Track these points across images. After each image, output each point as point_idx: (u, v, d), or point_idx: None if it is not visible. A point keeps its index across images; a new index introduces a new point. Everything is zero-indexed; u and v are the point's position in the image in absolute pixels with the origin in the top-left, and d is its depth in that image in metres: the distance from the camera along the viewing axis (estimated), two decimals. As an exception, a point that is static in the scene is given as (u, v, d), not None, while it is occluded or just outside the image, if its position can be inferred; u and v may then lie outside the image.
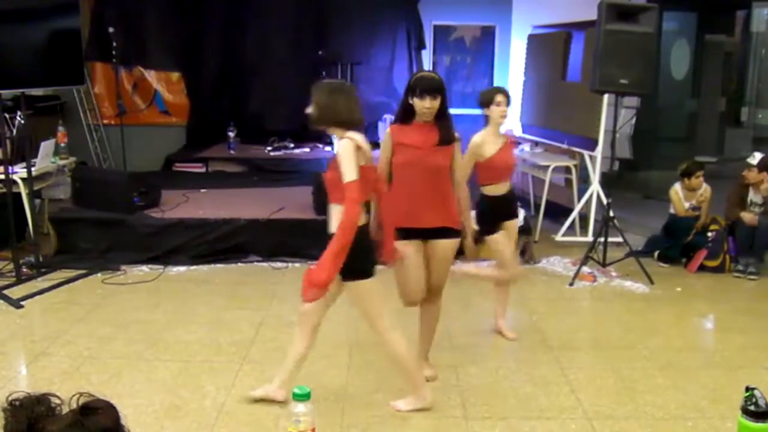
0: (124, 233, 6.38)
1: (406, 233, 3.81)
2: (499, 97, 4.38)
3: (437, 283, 3.97)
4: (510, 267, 4.68)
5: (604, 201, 6.51)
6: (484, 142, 4.39)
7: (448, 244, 3.89)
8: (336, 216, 3.46)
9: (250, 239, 6.31)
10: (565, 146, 7.57)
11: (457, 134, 3.82)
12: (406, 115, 3.79)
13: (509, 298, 4.97)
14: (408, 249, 3.82)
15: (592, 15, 6.16)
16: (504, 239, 4.56)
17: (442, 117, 3.75)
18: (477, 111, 9.65)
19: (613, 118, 6.23)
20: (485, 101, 4.43)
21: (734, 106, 10.60)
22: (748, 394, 2.81)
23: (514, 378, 4.18)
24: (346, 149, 3.39)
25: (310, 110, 3.52)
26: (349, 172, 3.35)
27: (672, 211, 6.58)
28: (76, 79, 6.49)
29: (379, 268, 3.58)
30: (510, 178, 4.65)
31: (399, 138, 3.79)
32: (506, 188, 4.59)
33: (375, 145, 9.97)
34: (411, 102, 3.71)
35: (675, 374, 4.21)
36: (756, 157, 6.21)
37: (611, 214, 6.21)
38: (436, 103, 3.68)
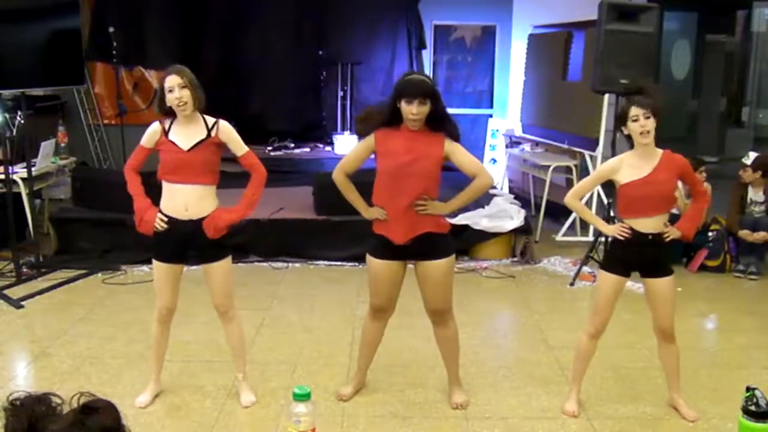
0: (125, 233, 6.35)
1: (384, 250, 3.58)
2: (633, 110, 3.40)
3: (435, 307, 3.67)
4: (593, 321, 3.66)
5: (605, 201, 6.50)
6: (622, 165, 3.50)
7: (439, 266, 3.56)
8: (206, 197, 3.56)
9: (250, 239, 6.30)
10: (565, 146, 7.57)
11: (443, 138, 3.49)
12: (393, 119, 3.49)
13: (677, 368, 3.74)
14: (381, 268, 3.61)
15: (592, 15, 6.16)
16: (611, 286, 3.57)
17: (437, 121, 3.46)
18: (477, 111, 9.66)
19: (614, 117, 6.23)
20: (619, 119, 3.54)
21: (735, 106, 10.60)
22: (748, 394, 2.82)
23: (514, 378, 4.17)
24: (231, 127, 3.63)
25: (190, 97, 3.45)
26: (243, 144, 3.66)
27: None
28: (76, 79, 6.49)
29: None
30: (662, 211, 3.53)
31: (383, 145, 3.52)
32: (654, 225, 3.49)
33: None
34: (398, 106, 3.42)
35: (676, 374, 4.21)
36: (750, 157, 6.22)
37: (612, 214, 6.21)
38: (425, 109, 3.38)
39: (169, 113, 3.54)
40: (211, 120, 3.58)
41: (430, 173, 3.50)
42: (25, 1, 5.79)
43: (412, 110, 3.38)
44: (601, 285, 3.63)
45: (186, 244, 3.58)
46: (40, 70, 5.88)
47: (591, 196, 6.89)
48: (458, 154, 3.53)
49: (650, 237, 3.49)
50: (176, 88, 3.43)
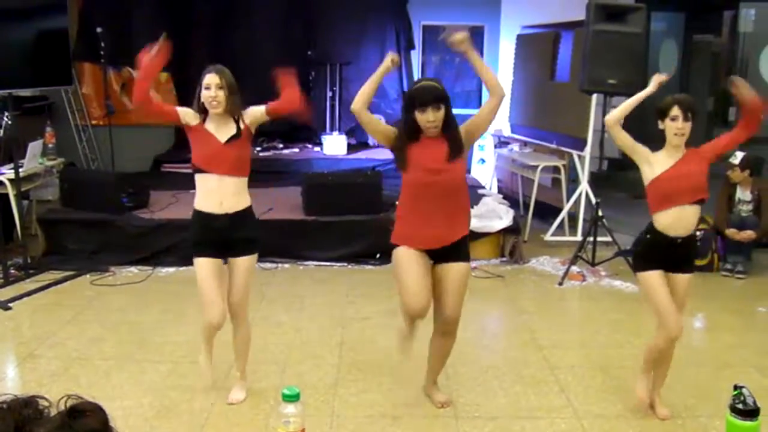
0: (113, 234, 6.36)
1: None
2: (675, 110, 3.47)
3: (450, 314, 3.59)
4: (666, 324, 3.50)
5: (593, 200, 6.52)
6: (655, 161, 3.53)
7: (460, 269, 3.57)
8: (240, 191, 3.61)
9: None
10: (554, 146, 7.59)
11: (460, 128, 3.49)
12: (412, 132, 3.45)
13: (667, 370, 3.74)
14: (408, 253, 3.52)
15: (580, 15, 6.18)
16: (661, 283, 3.50)
17: (448, 128, 3.44)
18: (466, 111, 9.69)
19: (602, 118, 6.24)
20: (660, 111, 3.52)
21: (722, 106, 10.65)
22: (736, 392, 2.83)
23: (503, 378, 4.18)
24: (249, 108, 3.68)
25: (224, 98, 3.49)
26: (259, 107, 3.69)
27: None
28: (63, 80, 6.47)
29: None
30: (694, 199, 3.48)
31: (410, 155, 3.47)
32: (686, 222, 3.47)
33: (363, 145, 9.94)
34: (413, 116, 3.40)
35: (664, 373, 4.23)
36: (737, 157, 6.23)
37: (600, 213, 6.23)
38: (440, 114, 3.38)
39: (202, 111, 3.57)
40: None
41: (459, 179, 3.53)
42: (12, 1, 5.76)
43: (428, 118, 3.37)
44: (650, 286, 3.53)
45: (222, 238, 3.59)
46: (28, 71, 5.85)
47: (579, 196, 6.92)
48: (469, 122, 3.56)
49: (679, 241, 3.48)
50: (213, 86, 3.49)
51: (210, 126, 3.57)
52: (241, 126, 3.60)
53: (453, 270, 3.56)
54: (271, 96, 3.77)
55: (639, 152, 3.57)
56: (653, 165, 3.51)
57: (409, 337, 3.76)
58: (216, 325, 3.64)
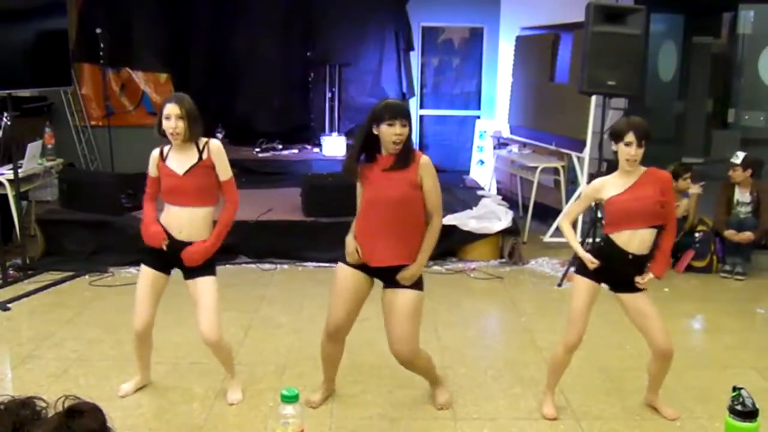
0: (112, 235, 6.36)
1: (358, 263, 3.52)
2: (629, 136, 3.38)
3: (397, 347, 3.50)
4: (569, 333, 3.59)
5: (592, 204, 6.51)
6: (605, 185, 3.52)
7: (406, 298, 3.45)
8: (200, 221, 3.63)
9: (239, 241, 6.28)
10: (553, 147, 7.59)
11: (420, 155, 3.47)
12: (370, 150, 3.47)
13: (663, 377, 3.71)
14: (345, 271, 3.56)
15: (580, 16, 6.18)
16: (587, 291, 3.54)
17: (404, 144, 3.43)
18: (465, 112, 9.64)
19: (601, 119, 6.25)
20: (614, 134, 3.47)
21: (721, 108, 10.65)
22: (735, 393, 2.83)
23: (503, 379, 4.18)
24: (222, 148, 3.67)
25: (184, 128, 3.52)
26: (229, 169, 3.70)
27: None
28: (63, 81, 6.47)
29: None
30: (644, 225, 3.43)
31: (366, 173, 3.49)
32: (639, 243, 3.44)
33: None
34: (377, 132, 3.38)
35: (663, 374, 4.22)
36: (739, 156, 6.23)
37: (599, 215, 6.22)
38: (406, 130, 3.37)
39: (166, 137, 3.60)
40: (202, 141, 3.63)
41: (409, 199, 3.45)
42: (11, 1, 5.76)
43: (396, 131, 3.36)
44: (577, 291, 3.57)
45: (174, 258, 3.64)
46: (27, 72, 5.85)
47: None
48: (429, 180, 3.47)
49: (630, 257, 3.46)
50: (173, 117, 3.52)
51: (170, 160, 3.62)
52: (204, 156, 3.60)
53: (399, 299, 3.48)
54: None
55: (590, 194, 3.60)
56: (608, 190, 3.49)
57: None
58: (139, 334, 3.76)
